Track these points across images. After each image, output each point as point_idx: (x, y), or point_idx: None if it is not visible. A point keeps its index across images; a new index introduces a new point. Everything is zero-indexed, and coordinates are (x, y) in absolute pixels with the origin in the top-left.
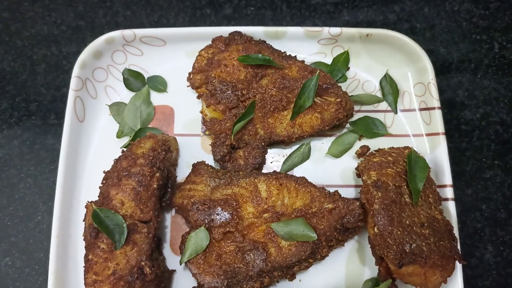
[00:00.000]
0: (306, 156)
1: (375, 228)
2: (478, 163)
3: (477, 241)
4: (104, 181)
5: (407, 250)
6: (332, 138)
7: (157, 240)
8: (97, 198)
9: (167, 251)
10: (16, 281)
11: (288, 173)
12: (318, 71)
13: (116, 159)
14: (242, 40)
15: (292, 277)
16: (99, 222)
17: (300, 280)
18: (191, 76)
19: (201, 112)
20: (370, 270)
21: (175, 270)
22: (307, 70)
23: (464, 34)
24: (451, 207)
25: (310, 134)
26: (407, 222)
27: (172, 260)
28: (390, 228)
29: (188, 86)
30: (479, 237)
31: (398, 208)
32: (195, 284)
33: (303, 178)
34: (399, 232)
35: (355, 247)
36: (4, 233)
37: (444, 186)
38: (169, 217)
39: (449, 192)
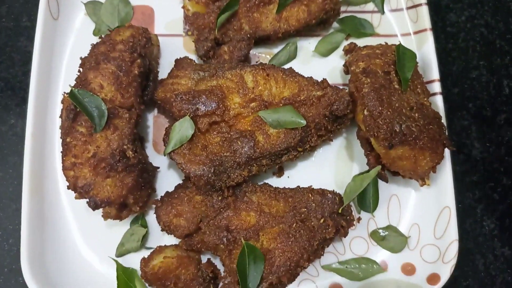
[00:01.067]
0: (292, 55)
1: (365, 110)
2: (464, 63)
3: (464, 138)
4: (81, 67)
5: (397, 130)
6: (319, 38)
7: (140, 138)
8: None
9: (150, 150)
10: None
11: None
12: None
13: (93, 44)
14: None
15: (280, 174)
16: (78, 102)
17: (288, 177)
18: None
19: (183, 7)
20: (358, 166)
21: (158, 167)
22: None
23: None
24: (439, 101)
25: (297, 28)
26: (397, 105)
27: (155, 159)
28: (380, 108)
29: None
30: (466, 134)
31: (387, 92)
32: (180, 182)
33: (290, 68)
34: (389, 113)
35: (343, 144)
36: None
37: (432, 81)
38: (151, 117)
39: (436, 87)
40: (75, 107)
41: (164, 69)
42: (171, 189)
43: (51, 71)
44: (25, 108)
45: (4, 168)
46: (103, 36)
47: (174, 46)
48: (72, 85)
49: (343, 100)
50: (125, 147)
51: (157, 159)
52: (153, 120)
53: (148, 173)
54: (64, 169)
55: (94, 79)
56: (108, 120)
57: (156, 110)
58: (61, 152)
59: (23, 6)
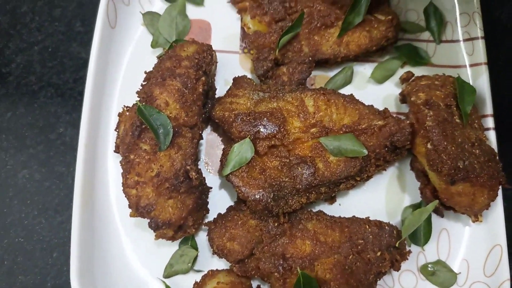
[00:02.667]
0: (348, 80)
1: (428, 144)
2: None
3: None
4: (145, 81)
5: (461, 166)
6: (374, 64)
7: None
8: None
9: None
10: (35, 195)
11: None
12: None
13: (159, 59)
14: None
15: (332, 201)
16: (145, 119)
17: (340, 204)
18: None
19: (244, 25)
20: (410, 197)
21: (211, 188)
22: None
23: None
24: (492, 137)
25: (356, 54)
26: (459, 140)
27: (206, 179)
28: (444, 143)
29: (228, 2)
30: None
31: (451, 126)
32: (230, 203)
33: (351, 95)
34: (453, 148)
35: (395, 174)
36: (21, 144)
37: (485, 116)
38: (204, 135)
39: (490, 122)
40: (140, 124)
41: (220, 86)
42: (221, 210)
43: (106, 81)
44: (75, 116)
45: (51, 179)
46: (162, 49)
47: (230, 62)
48: (129, 97)
49: (405, 131)
50: (188, 167)
51: (208, 178)
52: (206, 138)
53: (205, 194)
54: (126, 187)
55: (160, 96)
56: (172, 139)
57: (209, 128)
58: (123, 168)
59: (76, 10)
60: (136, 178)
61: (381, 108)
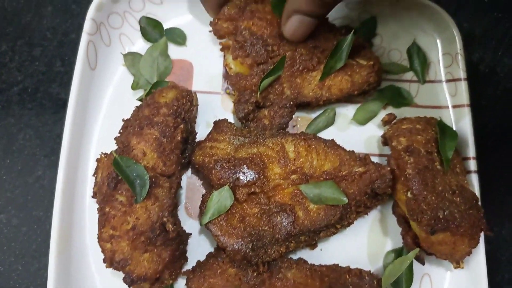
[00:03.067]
0: (330, 122)
1: (408, 193)
2: (499, 138)
3: (495, 216)
4: (123, 130)
5: (441, 216)
6: (357, 105)
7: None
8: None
9: (181, 213)
10: (11, 241)
11: None
12: (353, 30)
13: (137, 106)
14: None
15: (313, 246)
16: (120, 171)
17: (321, 249)
18: (216, 21)
19: (226, 65)
20: (392, 241)
21: (191, 234)
22: (339, 31)
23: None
24: (474, 180)
25: (338, 98)
26: (440, 188)
27: (186, 222)
28: (424, 193)
29: (210, 32)
30: (497, 212)
31: (431, 174)
32: (211, 250)
33: (332, 140)
34: (433, 198)
35: (377, 218)
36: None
37: (467, 158)
38: (184, 178)
39: (472, 165)
40: (117, 175)
41: (201, 128)
42: (201, 255)
43: (86, 123)
44: (53, 159)
45: (28, 223)
46: (143, 90)
47: (211, 103)
48: (109, 141)
49: (385, 178)
50: (165, 219)
51: (188, 222)
52: (186, 181)
53: (183, 243)
54: (101, 240)
55: (137, 145)
56: (149, 190)
57: (189, 171)
58: (99, 220)
59: (57, 49)
60: (111, 232)
61: (363, 150)
